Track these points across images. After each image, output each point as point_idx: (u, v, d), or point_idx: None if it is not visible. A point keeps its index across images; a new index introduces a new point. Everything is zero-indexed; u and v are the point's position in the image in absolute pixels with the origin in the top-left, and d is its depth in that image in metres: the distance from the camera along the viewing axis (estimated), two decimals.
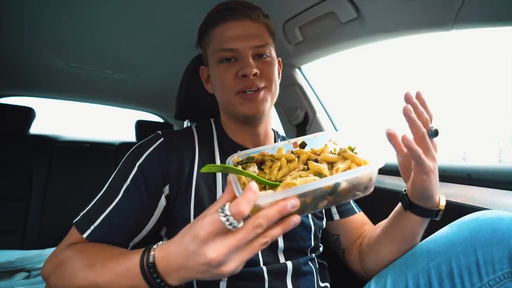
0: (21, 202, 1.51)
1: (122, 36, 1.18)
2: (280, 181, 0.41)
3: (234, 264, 0.36)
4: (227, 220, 0.34)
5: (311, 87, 1.22)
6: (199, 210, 0.57)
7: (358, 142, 0.48)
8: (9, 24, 1.09)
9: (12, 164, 1.54)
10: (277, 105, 1.32)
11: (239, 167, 0.45)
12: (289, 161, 0.47)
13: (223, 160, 0.65)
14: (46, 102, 2.02)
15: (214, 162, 0.65)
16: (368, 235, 0.68)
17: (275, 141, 0.76)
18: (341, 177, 0.38)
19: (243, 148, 0.68)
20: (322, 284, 0.67)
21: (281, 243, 0.61)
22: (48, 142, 1.67)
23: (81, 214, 0.57)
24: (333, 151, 0.50)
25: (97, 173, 1.71)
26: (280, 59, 0.72)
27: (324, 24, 0.92)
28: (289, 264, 0.60)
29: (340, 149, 0.47)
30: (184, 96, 0.84)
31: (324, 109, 1.22)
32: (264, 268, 0.58)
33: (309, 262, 0.64)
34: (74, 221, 0.57)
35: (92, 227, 0.54)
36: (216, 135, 0.70)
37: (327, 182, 0.37)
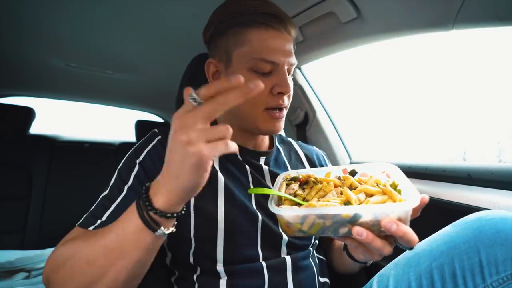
0: (21, 202, 1.51)
1: (122, 36, 1.18)
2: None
3: (200, 141, 0.36)
4: (194, 100, 0.37)
5: (311, 87, 1.22)
6: (199, 205, 0.57)
7: (404, 180, 0.45)
8: (8, 24, 1.09)
9: (12, 164, 1.54)
10: None
11: (284, 183, 0.54)
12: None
13: (220, 158, 0.65)
14: (46, 102, 2.02)
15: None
16: (333, 245, 0.75)
17: (272, 140, 0.76)
18: (360, 209, 0.39)
19: (242, 148, 0.68)
20: (322, 280, 0.67)
21: (284, 237, 0.61)
22: (48, 142, 1.67)
23: (84, 216, 0.56)
24: (379, 184, 0.49)
25: (97, 173, 1.71)
26: None
27: (324, 24, 0.92)
28: (288, 258, 0.60)
29: (383, 183, 0.47)
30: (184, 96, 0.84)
31: (324, 109, 1.22)
32: (264, 263, 0.58)
33: (309, 257, 0.65)
34: (77, 224, 0.55)
35: (98, 221, 0.52)
36: None
37: (341, 210, 0.39)
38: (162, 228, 0.41)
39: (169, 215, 0.40)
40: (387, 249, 0.41)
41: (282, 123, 0.63)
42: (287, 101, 0.62)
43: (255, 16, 0.57)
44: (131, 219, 0.41)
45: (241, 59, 0.58)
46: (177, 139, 0.36)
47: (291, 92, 0.62)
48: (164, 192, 0.40)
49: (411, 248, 0.41)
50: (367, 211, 0.39)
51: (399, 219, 0.38)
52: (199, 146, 0.35)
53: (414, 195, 0.39)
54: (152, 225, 0.40)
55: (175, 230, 0.43)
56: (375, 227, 0.40)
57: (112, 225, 0.44)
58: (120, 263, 0.42)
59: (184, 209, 0.44)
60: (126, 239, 0.41)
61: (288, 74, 0.61)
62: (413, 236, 0.38)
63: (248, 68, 0.58)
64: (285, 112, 0.63)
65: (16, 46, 1.28)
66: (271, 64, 0.58)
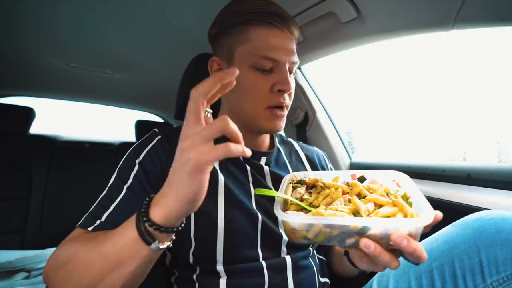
0: (21, 202, 1.51)
1: (122, 36, 1.18)
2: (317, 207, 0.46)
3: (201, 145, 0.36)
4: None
5: (311, 87, 1.22)
6: (200, 207, 0.57)
7: (415, 191, 0.43)
8: (8, 23, 1.09)
9: (12, 164, 1.54)
10: None
11: (290, 186, 0.51)
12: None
13: (221, 159, 0.64)
14: (46, 102, 2.02)
15: None
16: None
17: (272, 140, 0.76)
18: (370, 222, 0.37)
19: None
20: (322, 280, 0.67)
21: (284, 237, 0.61)
22: (48, 142, 1.67)
23: (84, 216, 0.56)
24: (390, 194, 0.47)
25: (97, 173, 1.71)
26: None
27: (324, 24, 0.92)
28: (288, 258, 0.60)
29: (394, 194, 0.45)
30: (184, 96, 0.84)
31: (324, 109, 1.22)
32: (264, 263, 0.58)
33: (309, 257, 0.65)
34: (77, 224, 0.55)
35: (98, 222, 0.53)
36: None
37: (351, 221, 0.38)
38: (156, 242, 0.40)
39: (163, 229, 0.39)
40: (394, 264, 0.38)
41: (283, 122, 0.63)
42: (288, 100, 0.63)
43: (258, 15, 0.58)
44: (129, 229, 0.40)
45: (243, 56, 0.59)
46: (178, 148, 0.37)
47: (292, 91, 0.62)
48: (162, 205, 0.38)
49: (417, 264, 0.40)
50: (378, 224, 0.37)
51: (410, 234, 0.36)
52: (194, 151, 0.35)
53: (428, 211, 0.37)
54: (147, 238, 0.39)
55: (171, 245, 0.42)
56: (383, 240, 0.38)
57: (111, 232, 0.43)
58: (117, 272, 0.41)
59: (183, 224, 0.43)
60: (122, 250, 0.41)
61: (290, 73, 0.62)
62: (423, 252, 0.37)
63: (249, 65, 0.59)
64: (286, 111, 0.63)
65: (16, 46, 1.28)
66: (272, 61, 0.58)
